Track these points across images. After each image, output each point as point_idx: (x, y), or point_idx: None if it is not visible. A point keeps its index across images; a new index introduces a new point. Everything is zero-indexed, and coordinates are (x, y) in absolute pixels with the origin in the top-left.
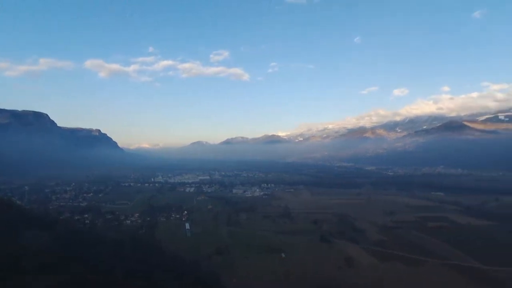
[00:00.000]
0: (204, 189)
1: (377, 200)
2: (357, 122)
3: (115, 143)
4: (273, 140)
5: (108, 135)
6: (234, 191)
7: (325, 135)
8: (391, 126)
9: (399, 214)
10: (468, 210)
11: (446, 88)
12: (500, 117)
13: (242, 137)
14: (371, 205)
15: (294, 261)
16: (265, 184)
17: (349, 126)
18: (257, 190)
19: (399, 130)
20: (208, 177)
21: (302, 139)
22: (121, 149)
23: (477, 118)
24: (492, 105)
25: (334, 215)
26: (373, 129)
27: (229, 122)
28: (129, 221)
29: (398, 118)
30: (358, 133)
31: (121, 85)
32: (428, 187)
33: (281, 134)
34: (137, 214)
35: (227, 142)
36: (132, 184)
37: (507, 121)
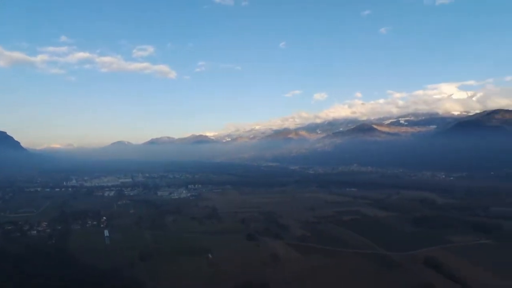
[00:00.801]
0: (126, 192)
1: (300, 197)
2: (282, 124)
3: (17, 142)
4: (200, 140)
5: (8, 133)
6: (159, 193)
7: (252, 136)
8: (312, 128)
9: (319, 209)
10: (376, 203)
11: (358, 94)
12: (401, 121)
13: (168, 137)
14: (294, 203)
15: (221, 261)
16: (193, 185)
17: (275, 127)
18: (184, 191)
19: (319, 132)
20: (130, 180)
21: (230, 139)
22: (24, 150)
23: (384, 122)
24: (395, 110)
25: (260, 214)
26: (296, 130)
27: (154, 121)
28: (35, 231)
29: (318, 121)
30: (283, 134)
31: (26, 77)
32: (344, 184)
33: (209, 134)
34: (45, 223)
35: (152, 142)
36: (39, 189)
37: (406, 125)
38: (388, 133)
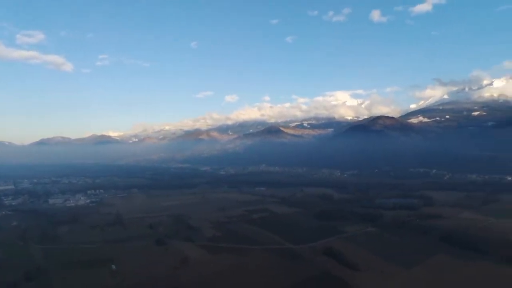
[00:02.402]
0: (7, 202)
1: (211, 198)
2: (193, 124)
3: None
4: (103, 140)
5: None
6: (51, 201)
7: (161, 136)
8: (224, 129)
9: (230, 209)
10: (283, 200)
11: (267, 98)
12: (304, 124)
13: (62, 137)
14: (205, 204)
15: (126, 270)
16: (93, 191)
17: (186, 128)
18: (82, 198)
19: (230, 133)
20: (12, 187)
21: (137, 140)
22: None
23: (290, 124)
24: (299, 114)
25: (170, 217)
26: (208, 131)
27: (45, 118)
28: None
29: (229, 122)
30: (194, 135)
31: None
32: (254, 183)
33: (113, 134)
34: None
35: (42, 142)
36: None
37: (309, 128)
38: (294, 135)
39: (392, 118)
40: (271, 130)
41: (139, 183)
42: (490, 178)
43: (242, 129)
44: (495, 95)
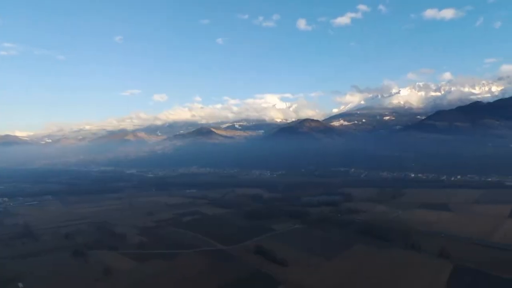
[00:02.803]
0: None
1: (137, 202)
2: (118, 124)
3: None
4: (7, 141)
5: None
6: None
7: (81, 137)
8: (152, 130)
9: (159, 213)
10: (214, 202)
11: (198, 98)
12: (236, 126)
13: None
14: (131, 209)
15: None
16: None
17: (110, 128)
18: None
19: (159, 134)
20: None
21: (50, 140)
22: None
23: (221, 126)
24: (230, 115)
25: (91, 225)
26: (134, 132)
27: None
28: None
29: (158, 122)
30: (119, 135)
31: None
32: (184, 185)
33: (21, 134)
34: None
35: None
36: None
37: (240, 129)
38: (225, 136)
39: (317, 121)
40: (202, 131)
41: (54, 189)
42: (397, 175)
43: (172, 129)
44: (402, 102)
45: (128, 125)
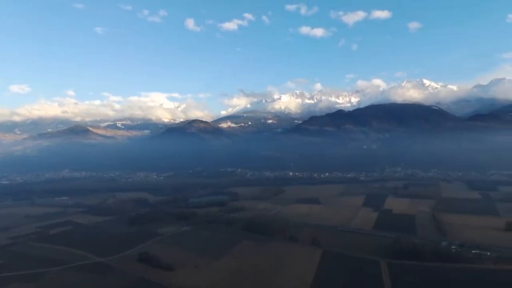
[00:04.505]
0: None
1: None
2: None
3: None
4: None
5: None
6: None
7: None
8: (8, 127)
9: (17, 227)
10: (90, 209)
11: (71, 92)
12: (118, 124)
13: None
14: None
15: None
16: None
17: None
18: None
19: (18, 132)
20: None
21: None
22: None
23: (100, 124)
24: (111, 113)
25: None
26: None
27: None
28: None
29: (18, 119)
30: None
31: None
32: (52, 192)
33: None
34: None
35: None
36: None
37: (123, 129)
38: (105, 136)
39: (206, 122)
40: (77, 130)
41: None
42: (279, 174)
43: (36, 127)
44: (282, 107)
45: None
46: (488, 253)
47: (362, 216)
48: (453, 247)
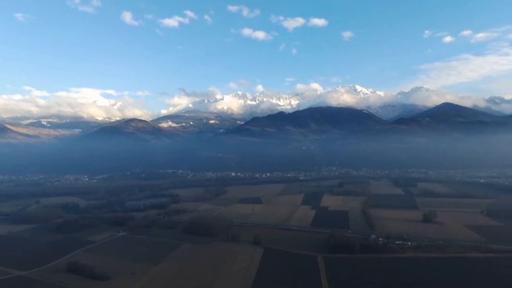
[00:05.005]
0: None
1: None
2: None
3: None
4: None
5: None
6: None
7: None
8: None
9: None
10: (9, 217)
11: None
12: (43, 122)
13: None
14: None
15: None
16: None
17: None
18: None
19: None
20: None
21: None
22: None
23: (21, 122)
24: (35, 110)
25: None
26: None
27: None
28: None
29: None
30: None
31: None
32: None
33: None
34: None
35: None
36: None
37: (49, 127)
38: (28, 135)
39: (145, 121)
40: None
41: None
42: (221, 175)
43: None
44: (225, 108)
45: None
46: (409, 243)
47: (301, 214)
48: (380, 239)
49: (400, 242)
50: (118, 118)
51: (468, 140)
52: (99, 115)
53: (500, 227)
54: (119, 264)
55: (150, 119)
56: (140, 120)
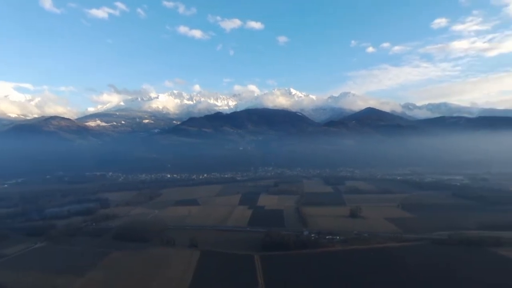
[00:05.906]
0: None
1: None
2: None
3: None
4: None
5: None
6: None
7: None
8: None
9: None
10: None
11: None
12: None
13: None
14: None
15: None
16: None
17: None
18: None
19: None
20: None
21: None
22: None
23: None
24: None
25: None
26: None
27: None
28: None
29: None
30: None
31: None
32: None
33: None
34: None
35: None
36: None
37: None
38: None
39: (69, 119)
40: None
41: None
42: (155, 176)
43: None
44: (160, 107)
45: None
46: (338, 237)
47: (238, 214)
48: (312, 235)
49: (330, 236)
50: (36, 116)
51: (388, 142)
52: (12, 112)
53: (412, 218)
54: (37, 279)
55: (75, 117)
56: (63, 118)
